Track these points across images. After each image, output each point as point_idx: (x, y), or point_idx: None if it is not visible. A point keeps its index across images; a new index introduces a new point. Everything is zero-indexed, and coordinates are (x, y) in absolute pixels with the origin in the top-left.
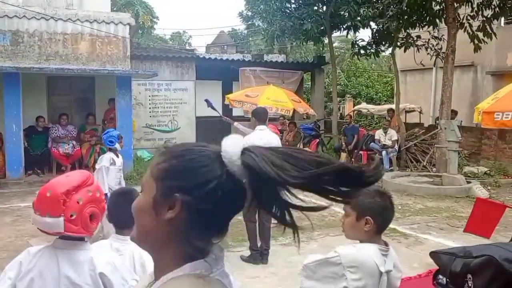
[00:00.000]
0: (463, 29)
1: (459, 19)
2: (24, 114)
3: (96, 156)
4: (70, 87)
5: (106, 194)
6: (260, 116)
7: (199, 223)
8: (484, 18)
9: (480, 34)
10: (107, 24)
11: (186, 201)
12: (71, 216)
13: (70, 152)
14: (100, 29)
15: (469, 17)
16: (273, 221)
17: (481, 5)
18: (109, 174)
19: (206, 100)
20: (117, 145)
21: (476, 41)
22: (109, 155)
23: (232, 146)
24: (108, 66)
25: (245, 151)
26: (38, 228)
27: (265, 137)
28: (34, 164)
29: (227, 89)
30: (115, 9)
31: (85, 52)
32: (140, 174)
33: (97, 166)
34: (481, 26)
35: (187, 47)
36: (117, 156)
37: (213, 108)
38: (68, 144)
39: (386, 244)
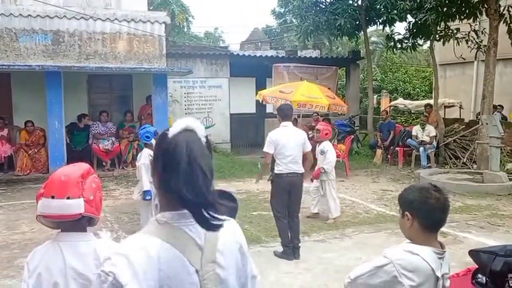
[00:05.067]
0: (503, 21)
1: (500, 10)
2: (65, 112)
3: (134, 152)
4: (109, 85)
5: (146, 191)
6: (284, 113)
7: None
8: None
9: None
10: (143, 23)
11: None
12: (90, 197)
13: (110, 148)
14: (137, 28)
15: (510, 8)
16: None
17: None
18: (149, 170)
19: None
20: (153, 141)
21: None
22: (146, 152)
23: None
24: (145, 64)
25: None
26: (45, 216)
27: (290, 133)
28: (75, 160)
29: (260, 86)
30: (151, 8)
31: (123, 50)
32: None
33: (137, 164)
34: None
35: (221, 45)
36: None
37: None
38: (108, 141)
39: (442, 246)
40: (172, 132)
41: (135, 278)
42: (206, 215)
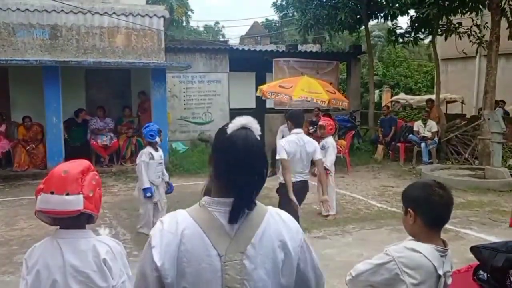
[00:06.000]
0: (503, 15)
1: (502, 5)
2: (63, 107)
3: (132, 148)
4: (107, 80)
5: (145, 189)
6: (295, 120)
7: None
8: None
9: None
10: (142, 17)
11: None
12: (89, 194)
13: (108, 144)
14: (135, 22)
15: (510, 2)
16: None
17: None
18: (149, 168)
19: None
20: (157, 139)
21: None
22: (147, 150)
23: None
24: (143, 58)
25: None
26: (44, 212)
27: (301, 143)
28: (74, 156)
29: (260, 81)
30: (149, 2)
31: (121, 45)
32: (175, 166)
33: (137, 161)
34: None
35: (221, 39)
36: (156, 150)
37: None
38: (106, 136)
39: (444, 244)
40: (231, 128)
41: (160, 244)
42: (239, 210)
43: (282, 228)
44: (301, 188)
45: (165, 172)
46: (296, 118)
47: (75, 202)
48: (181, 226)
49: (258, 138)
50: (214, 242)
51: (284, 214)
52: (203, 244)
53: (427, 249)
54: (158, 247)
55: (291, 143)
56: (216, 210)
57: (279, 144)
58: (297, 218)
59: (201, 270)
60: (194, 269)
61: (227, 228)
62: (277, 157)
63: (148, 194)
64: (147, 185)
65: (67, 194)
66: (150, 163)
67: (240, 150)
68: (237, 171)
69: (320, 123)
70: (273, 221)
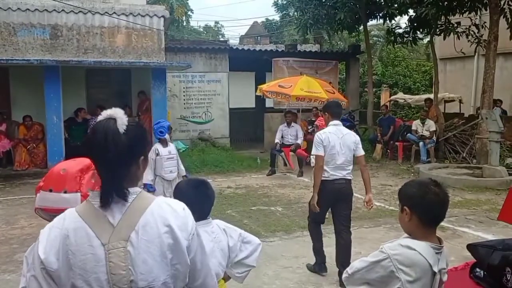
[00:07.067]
0: (503, 15)
1: (501, 4)
2: (64, 106)
3: None
4: (108, 80)
5: (144, 185)
6: (333, 110)
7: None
8: None
9: None
10: (142, 17)
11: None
12: (88, 192)
13: None
14: (136, 22)
15: (510, 2)
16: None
17: None
18: (156, 164)
19: None
20: (166, 136)
21: None
22: (154, 146)
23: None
24: (143, 58)
25: None
26: (42, 209)
27: (340, 134)
28: (74, 155)
29: (260, 80)
30: (150, 2)
31: (121, 45)
32: None
33: None
34: None
35: (221, 39)
36: (166, 146)
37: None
38: None
39: (440, 241)
40: (98, 118)
41: (46, 239)
42: (106, 195)
43: (169, 215)
44: (343, 188)
45: (181, 167)
46: (333, 108)
47: (72, 200)
48: (66, 221)
49: (123, 128)
50: (97, 232)
51: (176, 204)
52: (86, 236)
53: (422, 246)
54: (44, 242)
55: (329, 135)
56: (97, 202)
57: (315, 138)
58: (319, 221)
59: (86, 261)
60: (79, 260)
61: (110, 219)
62: (313, 152)
63: (151, 189)
64: (145, 181)
65: (65, 192)
66: (157, 159)
67: (97, 137)
68: (97, 156)
69: (315, 123)
70: (159, 209)
